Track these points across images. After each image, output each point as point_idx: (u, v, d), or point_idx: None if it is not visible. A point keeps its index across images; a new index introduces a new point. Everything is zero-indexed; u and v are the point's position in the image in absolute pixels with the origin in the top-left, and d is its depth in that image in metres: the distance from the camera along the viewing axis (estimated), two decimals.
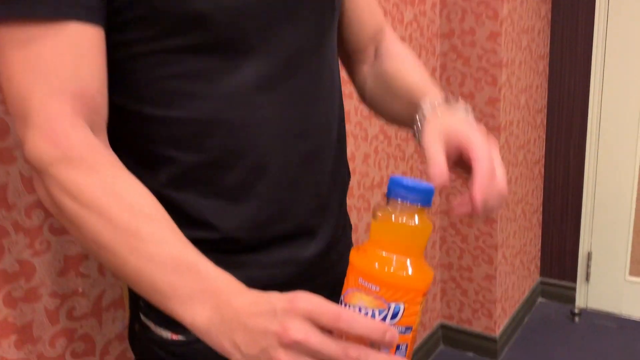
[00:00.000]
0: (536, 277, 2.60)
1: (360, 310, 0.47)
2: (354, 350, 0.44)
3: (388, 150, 1.77)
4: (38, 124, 0.51)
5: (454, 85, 2.03)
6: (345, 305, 0.49)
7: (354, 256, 0.50)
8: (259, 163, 0.61)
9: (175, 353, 0.65)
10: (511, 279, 2.28)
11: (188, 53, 0.56)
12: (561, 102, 2.42)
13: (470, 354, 2.22)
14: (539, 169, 2.47)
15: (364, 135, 1.64)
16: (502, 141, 2.03)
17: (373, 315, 0.47)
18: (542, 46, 2.33)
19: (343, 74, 0.81)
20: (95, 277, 0.95)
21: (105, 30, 0.54)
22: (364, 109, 1.61)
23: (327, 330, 0.45)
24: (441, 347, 2.29)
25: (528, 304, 2.49)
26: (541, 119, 2.43)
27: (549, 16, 2.37)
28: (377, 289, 0.47)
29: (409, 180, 0.49)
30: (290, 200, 0.65)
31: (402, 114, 0.73)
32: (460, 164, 0.61)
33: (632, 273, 2.42)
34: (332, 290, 0.73)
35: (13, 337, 0.84)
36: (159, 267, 0.50)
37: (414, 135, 0.68)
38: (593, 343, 2.27)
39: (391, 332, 0.44)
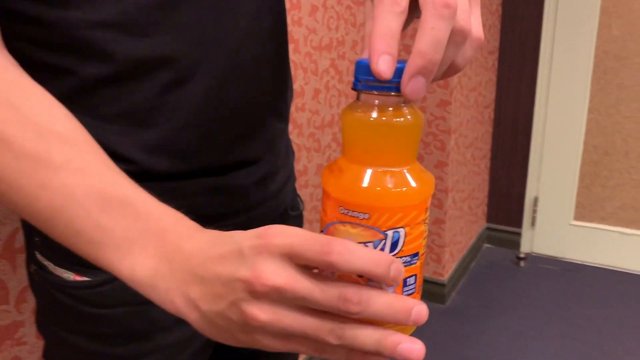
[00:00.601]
0: (483, 223, 2.60)
1: None
2: (354, 292, 0.33)
3: (339, 87, 1.67)
4: None
5: None
6: None
7: (328, 180, 0.38)
8: (175, 77, 0.50)
9: (79, 297, 0.54)
10: (459, 223, 2.26)
11: None
12: (513, 46, 2.38)
13: None
14: (488, 114, 2.44)
15: (313, 69, 1.52)
16: (454, 82, 1.96)
17: None
18: None
19: None
20: (5, 212, 0.82)
21: None
22: (314, 39, 1.49)
23: (311, 270, 0.35)
24: None
25: (474, 250, 2.50)
26: (493, 61, 2.37)
27: None
28: (367, 216, 0.36)
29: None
30: (215, 122, 0.54)
31: None
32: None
33: (576, 218, 2.46)
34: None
35: None
36: (82, 204, 0.38)
37: None
38: (537, 286, 2.31)
39: (396, 265, 0.34)
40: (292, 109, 1.47)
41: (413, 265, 0.38)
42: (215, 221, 0.57)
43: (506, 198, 2.55)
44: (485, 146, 2.46)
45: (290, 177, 0.68)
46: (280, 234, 0.34)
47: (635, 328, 2.04)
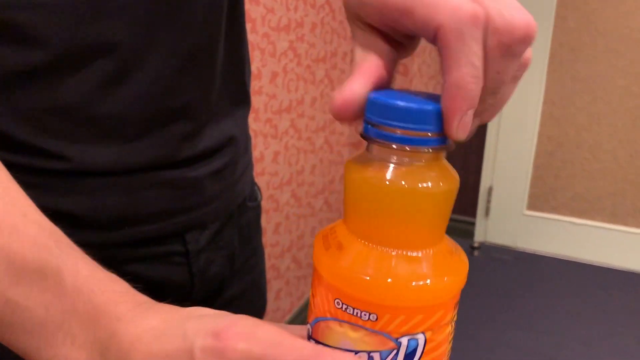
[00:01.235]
0: None
1: None
2: None
3: (298, 71, 1.60)
4: None
5: None
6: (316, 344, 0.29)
7: (321, 258, 0.28)
8: (119, 66, 0.43)
9: None
10: None
11: None
12: None
13: None
14: None
15: (271, 50, 1.45)
16: (413, 69, 1.93)
17: None
18: None
19: None
20: None
21: None
22: (272, 19, 1.42)
23: None
24: None
25: None
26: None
27: None
28: (374, 317, 0.26)
29: (403, 98, 0.26)
30: (164, 114, 0.47)
31: None
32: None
33: (529, 207, 2.48)
34: (229, 220, 0.57)
35: None
36: None
37: None
38: (490, 275, 2.32)
39: None
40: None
41: None
42: (166, 218, 0.50)
43: (461, 188, 2.54)
44: None
45: (249, 166, 0.62)
46: (244, 337, 0.26)
47: (586, 317, 2.08)
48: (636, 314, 2.07)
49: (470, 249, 2.53)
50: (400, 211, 0.26)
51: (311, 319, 0.29)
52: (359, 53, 0.30)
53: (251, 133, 1.52)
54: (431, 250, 0.27)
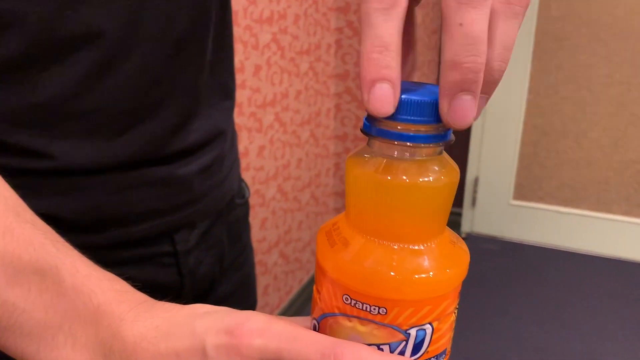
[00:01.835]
0: None
1: None
2: None
3: (282, 64, 1.58)
4: None
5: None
6: None
7: (325, 254, 0.28)
8: (103, 57, 0.41)
9: None
10: None
11: None
12: None
13: None
14: None
15: (254, 43, 1.42)
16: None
17: None
18: None
19: None
20: None
21: None
22: (254, 11, 1.39)
23: None
24: None
25: None
26: (436, 41, 2.35)
27: None
28: (383, 311, 0.27)
29: (403, 91, 0.26)
30: (150, 107, 0.45)
31: None
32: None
33: (515, 197, 2.49)
34: (218, 218, 0.56)
35: None
36: None
37: None
38: (478, 265, 2.33)
39: None
40: None
41: None
42: (154, 218, 0.48)
43: None
44: None
45: (235, 162, 0.60)
46: (259, 333, 0.25)
47: (572, 304, 2.09)
48: (621, 300, 2.09)
49: None
50: (404, 206, 0.26)
51: (317, 314, 0.29)
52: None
53: (235, 128, 1.50)
54: (436, 243, 0.28)
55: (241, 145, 1.45)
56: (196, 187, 0.51)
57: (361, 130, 0.27)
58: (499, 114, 2.39)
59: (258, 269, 1.64)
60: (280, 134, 1.63)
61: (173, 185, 0.49)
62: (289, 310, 1.87)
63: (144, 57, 0.42)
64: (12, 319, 0.28)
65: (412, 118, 0.25)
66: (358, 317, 0.27)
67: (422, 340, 0.28)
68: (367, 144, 0.28)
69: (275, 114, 1.59)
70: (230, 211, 0.58)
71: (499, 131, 2.42)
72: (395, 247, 0.27)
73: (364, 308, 0.27)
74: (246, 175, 1.50)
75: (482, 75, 0.24)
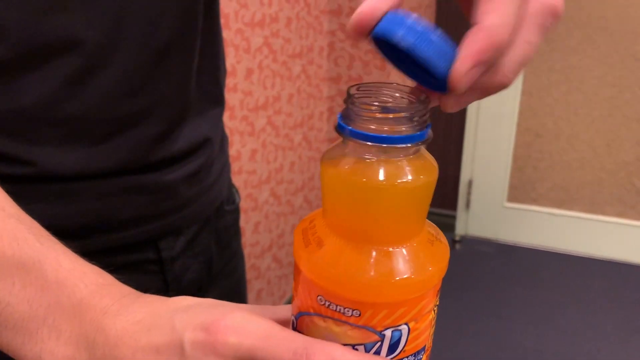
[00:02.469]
0: None
1: None
2: None
3: (274, 67, 1.57)
4: None
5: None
6: None
7: (301, 253, 0.28)
8: (84, 64, 0.40)
9: None
10: None
11: None
12: (448, 26, 2.36)
13: None
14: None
15: (245, 47, 1.42)
16: None
17: None
18: None
19: None
20: None
21: None
22: (245, 14, 1.39)
23: None
24: None
25: None
26: None
27: None
28: (357, 313, 0.26)
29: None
30: (134, 115, 0.44)
31: None
32: None
33: (509, 199, 2.49)
34: (205, 225, 0.55)
35: None
36: None
37: None
38: (473, 268, 2.32)
39: None
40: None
41: None
42: (138, 225, 0.47)
43: (441, 182, 2.53)
44: None
45: (225, 167, 0.59)
46: (234, 330, 0.25)
47: (566, 306, 2.09)
48: (615, 302, 2.09)
49: (452, 243, 2.54)
50: (379, 208, 0.26)
51: (295, 311, 0.29)
52: None
53: (227, 131, 1.49)
54: (412, 244, 0.27)
55: (233, 149, 1.44)
56: (182, 193, 0.50)
57: (335, 129, 0.26)
58: (493, 117, 2.39)
59: (251, 274, 1.63)
60: (272, 137, 1.63)
61: (158, 192, 0.48)
62: None
63: (126, 65, 0.42)
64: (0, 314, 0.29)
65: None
66: (332, 318, 0.27)
67: (398, 340, 0.27)
68: (343, 141, 0.27)
69: (268, 118, 1.58)
70: (219, 218, 0.57)
71: (492, 133, 2.42)
72: (370, 249, 0.26)
73: (338, 310, 0.26)
74: (238, 179, 1.49)
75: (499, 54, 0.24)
